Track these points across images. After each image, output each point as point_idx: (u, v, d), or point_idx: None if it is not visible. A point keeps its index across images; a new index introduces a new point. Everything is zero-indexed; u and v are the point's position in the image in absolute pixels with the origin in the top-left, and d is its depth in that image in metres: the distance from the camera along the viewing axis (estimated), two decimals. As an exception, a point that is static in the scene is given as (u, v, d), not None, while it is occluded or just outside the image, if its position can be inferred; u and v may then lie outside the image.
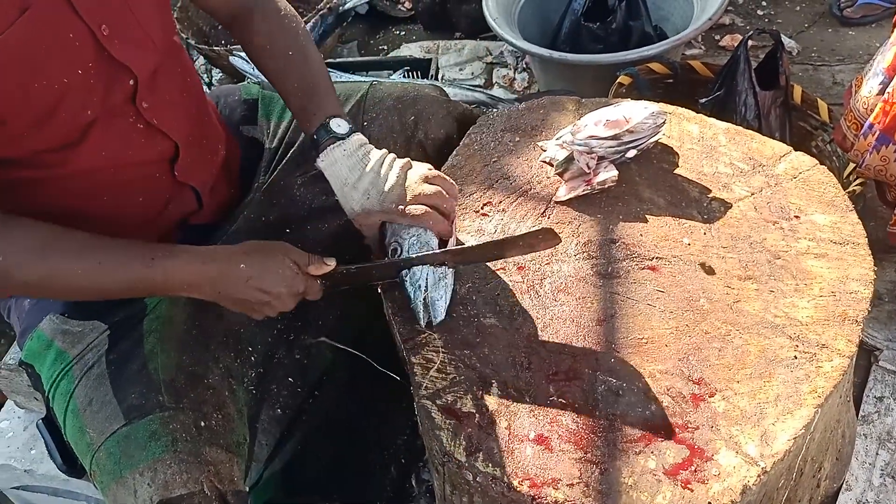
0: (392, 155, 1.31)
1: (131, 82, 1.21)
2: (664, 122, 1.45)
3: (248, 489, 1.31)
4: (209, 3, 1.43)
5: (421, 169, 1.30)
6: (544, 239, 1.23)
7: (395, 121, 1.57)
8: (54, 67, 1.11)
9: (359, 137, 1.31)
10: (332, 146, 1.29)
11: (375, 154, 1.30)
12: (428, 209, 1.26)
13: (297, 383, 1.46)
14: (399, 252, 1.27)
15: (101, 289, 1.17)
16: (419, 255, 1.24)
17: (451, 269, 1.27)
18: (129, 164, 1.27)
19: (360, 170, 1.28)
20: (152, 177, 1.32)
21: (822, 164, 1.43)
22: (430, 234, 1.28)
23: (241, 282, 1.18)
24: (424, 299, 1.22)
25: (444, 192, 1.28)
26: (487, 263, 1.32)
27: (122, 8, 1.18)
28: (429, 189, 1.27)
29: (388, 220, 1.30)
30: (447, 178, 1.31)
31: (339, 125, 1.30)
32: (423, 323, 1.23)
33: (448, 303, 1.25)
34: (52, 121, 1.14)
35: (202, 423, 1.19)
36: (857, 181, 1.88)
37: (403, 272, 1.25)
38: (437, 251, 1.25)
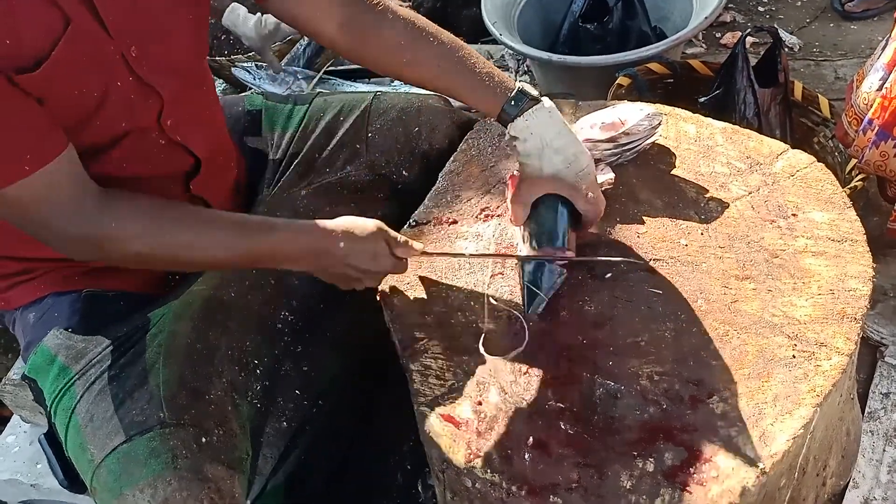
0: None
1: (161, 101, 1.25)
2: (660, 124, 1.45)
3: (250, 503, 1.31)
4: (313, 28, 1.35)
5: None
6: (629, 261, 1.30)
7: (399, 132, 1.58)
8: (94, 78, 1.16)
9: (550, 101, 1.28)
10: (535, 107, 1.25)
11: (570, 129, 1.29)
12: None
13: (304, 395, 1.46)
14: (532, 235, 1.29)
15: (211, 260, 1.26)
16: (533, 256, 1.28)
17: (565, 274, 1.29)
18: (147, 176, 1.30)
19: (566, 137, 1.26)
20: (167, 190, 1.34)
21: (823, 160, 1.43)
22: (565, 231, 1.29)
23: (339, 260, 1.25)
24: (540, 293, 1.25)
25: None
26: (485, 266, 1.33)
27: (155, 32, 1.21)
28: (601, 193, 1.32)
29: (565, 195, 1.27)
30: None
31: (531, 88, 1.28)
32: (529, 311, 1.25)
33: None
34: (88, 127, 1.19)
35: (203, 440, 1.19)
36: (859, 177, 1.87)
37: (526, 265, 1.28)
38: (549, 256, 1.27)
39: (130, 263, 1.32)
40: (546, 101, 1.26)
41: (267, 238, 1.24)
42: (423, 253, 1.30)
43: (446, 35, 1.31)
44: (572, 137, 1.27)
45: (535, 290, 1.24)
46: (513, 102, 1.25)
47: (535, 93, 1.26)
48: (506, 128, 1.27)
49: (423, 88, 1.38)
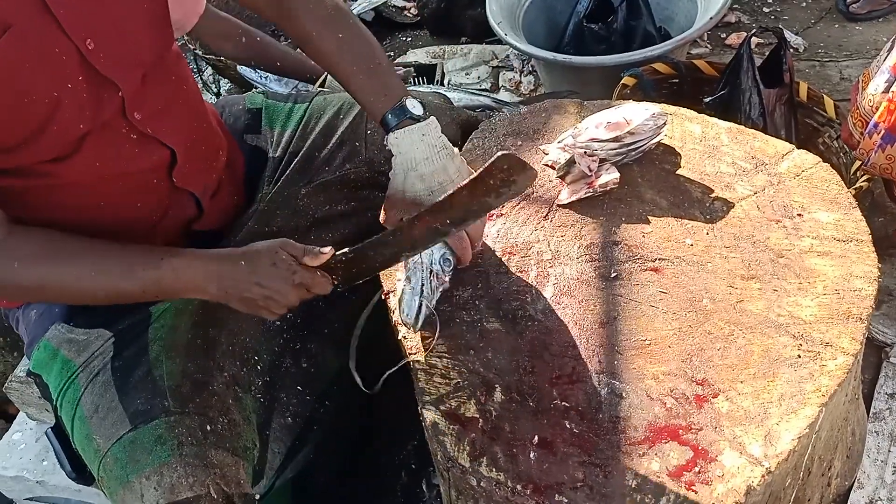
0: (465, 164, 1.32)
1: (119, 94, 1.22)
2: (665, 124, 1.45)
3: (258, 497, 1.32)
4: (255, 8, 1.39)
5: None
6: (512, 168, 1.14)
7: None
8: (43, 83, 1.12)
9: (436, 123, 1.29)
10: (409, 126, 1.26)
11: (456, 157, 1.30)
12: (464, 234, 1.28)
13: (306, 391, 1.47)
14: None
15: (114, 293, 1.19)
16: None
17: (447, 284, 1.28)
18: (124, 173, 1.28)
19: (435, 164, 1.26)
20: (150, 184, 1.33)
21: (828, 160, 1.43)
22: (446, 248, 1.28)
23: (242, 278, 1.19)
24: (420, 304, 1.23)
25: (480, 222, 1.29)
26: (495, 265, 1.33)
27: (110, 23, 1.18)
28: None
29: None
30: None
31: (414, 106, 1.28)
32: (409, 323, 1.24)
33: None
34: (44, 135, 1.15)
35: (207, 427, 1.20)
36: (864, 177, 1.87)
37: (406, 274, 1.26)
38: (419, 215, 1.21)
39: (31, 297, 1.34)
40: (428, 122, 1.27)
41: (169, 263, 1.18)
42: (333, 255, 1.22)
43: (360, 30, 1.36)
44: (442, 165, 1.27)
45: (423, 301, 1.25)
46: (392, 115, 1.27)
47: (418, 112, 1.27)
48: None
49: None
